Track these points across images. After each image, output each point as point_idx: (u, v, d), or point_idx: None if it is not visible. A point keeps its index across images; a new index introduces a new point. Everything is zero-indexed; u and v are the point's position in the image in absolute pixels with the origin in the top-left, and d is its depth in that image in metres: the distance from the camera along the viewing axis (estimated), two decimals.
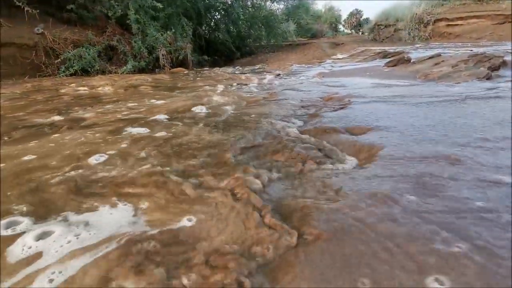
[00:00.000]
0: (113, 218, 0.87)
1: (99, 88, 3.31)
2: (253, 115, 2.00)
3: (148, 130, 1.69)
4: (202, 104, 2.40)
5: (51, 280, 0.64)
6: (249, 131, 1.61)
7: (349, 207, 0.89)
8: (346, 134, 1.65)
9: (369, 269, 0.64)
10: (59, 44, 5.85)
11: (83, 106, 2.37)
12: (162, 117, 1.99)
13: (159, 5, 6.40)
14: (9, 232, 0.80)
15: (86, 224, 0.85)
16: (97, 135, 1.59)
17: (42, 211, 0.89)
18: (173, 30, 6.83)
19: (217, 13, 10.02)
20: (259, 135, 1.55)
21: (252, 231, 0.79)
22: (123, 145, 1.43)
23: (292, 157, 1.30)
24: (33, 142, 1.50)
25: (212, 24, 10.37)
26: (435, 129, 1.55)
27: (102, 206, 0.93)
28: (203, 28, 9.67)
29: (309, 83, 3.50)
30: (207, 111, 2.19)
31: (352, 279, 0.62)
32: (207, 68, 7.85)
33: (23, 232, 0.80)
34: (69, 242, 0.77)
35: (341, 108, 2.21)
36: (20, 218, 0.86)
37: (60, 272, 0.66)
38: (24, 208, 0.90)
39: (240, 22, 10.31)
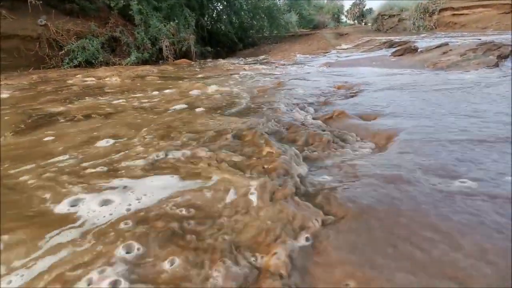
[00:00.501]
0: None
1: (106, 79, 3.30)
2: (267, 104, 1.99)
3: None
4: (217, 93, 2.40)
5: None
6: (268, 118, 1.61)
7: (369, 187, 0.90)
8: (359, 120, 1.65)
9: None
10: (62, 35, 5.81)
11: (94, 95, 2.37)
12: (181, 106, 1.98)
13: None
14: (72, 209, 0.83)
15: None
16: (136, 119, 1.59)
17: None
18: (176, 21, 6.77)
19: (219, 4, 9.91)
20: (278, 122, 1.55)
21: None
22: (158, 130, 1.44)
23: (310, 143, 1.31)
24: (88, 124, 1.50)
25: (214, 15, 10.27)
26: (452, 117, 1.54)
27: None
28: (205, 19, 9.59)
29: (316, 73, 3.48)
30: (222, 100, 2.18)
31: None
32: (210, 60, 7.81)
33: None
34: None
35: (352, 96, 2.21)
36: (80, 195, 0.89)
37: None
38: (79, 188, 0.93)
39: (243, 13, 10.20)
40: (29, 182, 0.97)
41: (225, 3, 10.03)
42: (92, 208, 0.83)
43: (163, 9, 6.89)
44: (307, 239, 0.71)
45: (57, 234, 0.72)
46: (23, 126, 1.57)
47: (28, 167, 1.08)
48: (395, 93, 2.12)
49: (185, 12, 7.35)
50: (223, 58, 8.67)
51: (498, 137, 1.21)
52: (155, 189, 0.92)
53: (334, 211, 0.81)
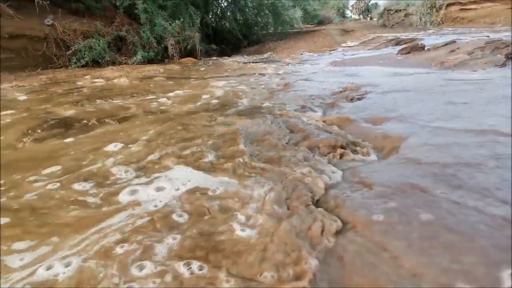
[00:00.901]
0: None
1: (114, 80, 3.35)
2: (275, 106, 2.02)
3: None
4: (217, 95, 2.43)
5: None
6: (278, 120, 1.64)
7: (379, 195, 0.93)
8: (367, 124, 1.67)
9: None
10: (69, 35, 5.86)
11: (104, 98, 2.41)
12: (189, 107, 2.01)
13: None
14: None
15: None
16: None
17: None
18: (181, 20, 6.77)
19: (223, 1, 9.88)
20: (285, 123, 1.58)
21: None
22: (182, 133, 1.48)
23: (317, 145, 1.33)
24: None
25: (218, 12, 10.25)
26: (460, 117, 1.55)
27: None
28: (210, 16, 9.57)
29: (323, 72, 3.49)
30: (221, 101, 2.21)
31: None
32: (215, 58, 7.81)
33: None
34: None
35: (359, 99, 2.22)
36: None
37: None
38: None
39: (247, 10, 10.16)
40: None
41: (229, 0, 10.00)
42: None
43: (168, 8, 6.90)
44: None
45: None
46: (39, 131, 1.61)
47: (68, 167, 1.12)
48: (403, 95, 2.13)
49: (190, 10, 7.35)
50: (228, 55, 8.67)
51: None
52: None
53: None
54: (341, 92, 2.42)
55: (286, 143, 1.39)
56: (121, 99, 2.33)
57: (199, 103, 2.19)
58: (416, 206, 0.87)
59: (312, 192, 1.00)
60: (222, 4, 10.04)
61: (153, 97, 2.45)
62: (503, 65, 3.14)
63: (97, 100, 2.31)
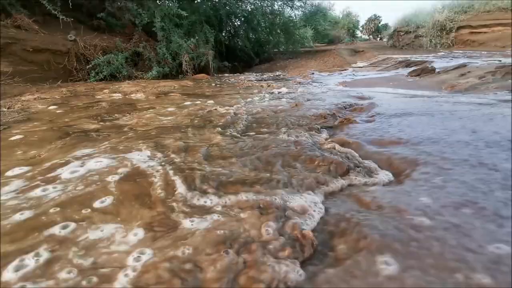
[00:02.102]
0: None
1: (131, 95, 3.48)
2: (283, 123, 2.08)
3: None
4: (233, 112, 2.51)
5: None
6: (283, 141, 1.69)
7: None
8: (374, 146, 1.70)
9: None
10: (89, 50, 6.14)
11: (123, 112, 2.52)
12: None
13: (184, 13, 6.63)
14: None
15: None
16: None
17: None
18: (196, 38, 7.03)
19: (237, 20, 10.23)
20: (291, 144, 1.63)
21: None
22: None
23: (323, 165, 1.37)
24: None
25: (232, 30, 10.59)
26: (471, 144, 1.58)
27: None
28: (223, 34, 9.89)
29: (333, 92, 3.56)
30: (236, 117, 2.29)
31: None
32: (227, 74, 8.02)
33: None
34: None
35: (368, 121, 2.26)
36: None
37: None
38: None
39: (260, 29, 10.48)
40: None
41: (242, 19, 10.34)
42: None
43: (184, 26, 7.19)
44: None
45: None
46: (62, 142, 1.70)
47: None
48: (413, 118, 2.17)
49: (204, 29, 7.63)
50: (240, 72, 8.89)
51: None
52: None
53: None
54: (350, 113, 2.47)
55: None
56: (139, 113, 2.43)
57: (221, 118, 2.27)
58: None
59: None
60: (235, 23, 10.38)
61: (173, 109, 2.54)
62: None
63: (115, 114, 2.41)
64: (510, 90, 3.13)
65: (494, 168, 1.27)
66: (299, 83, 4.70)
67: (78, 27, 6.50)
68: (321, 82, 4.77)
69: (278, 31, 10.78)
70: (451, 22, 11.16)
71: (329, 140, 1.86)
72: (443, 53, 8.69)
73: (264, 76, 6.88)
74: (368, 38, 26.31)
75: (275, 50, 11.83)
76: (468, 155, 1.42)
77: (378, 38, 24.28)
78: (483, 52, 8.19)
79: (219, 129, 2.01)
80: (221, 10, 8.54)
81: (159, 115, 2.44)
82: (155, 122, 2.21)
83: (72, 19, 6.04)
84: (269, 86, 4.42)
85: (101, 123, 2.19)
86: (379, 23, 25.53)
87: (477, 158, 1.37)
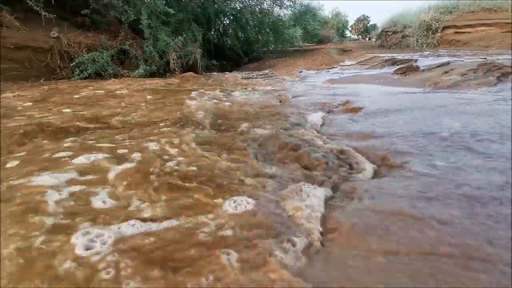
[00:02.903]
0: None
1: (116, 92, 3.41)
2: (271, 121, 2.06)
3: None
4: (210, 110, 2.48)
5: None
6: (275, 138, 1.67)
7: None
8: (361, 141, 1.70)
9: None
10: (73, 48, 5.99)
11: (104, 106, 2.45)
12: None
13: (171, 10, 6.53)
14: None
15: None
16: None
17: None
18: (184, 36, 6.95)
19: (226, 19, 10.16)
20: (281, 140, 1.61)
21: None
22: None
23: (315, 163, 1.36)
24: None
25: (220, 29, 10.52)
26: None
27: None
28: (212, 32, 9.82)
29: (320, 89, 3.56)
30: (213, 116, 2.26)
31: None
32: (216, 73, 7.97)
33: None
34: None
35: (353, 119, 2.27)
36: None
37: None
38: None
39: (249, 28, 10.43)
40: None
41: (232, 17, 10.28)
42: None
43: (172, 24, 7.09)
44: None
45: None
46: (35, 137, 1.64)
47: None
48: (396, 113, 2.18)
49: (192, 27, 7.55)
50: (229, 71, 8.84)
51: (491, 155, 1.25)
52: None
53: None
54: (335, 108, 2.47)
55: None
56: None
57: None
58: None
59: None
60: (224, 22, 10.32)
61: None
62: (495, 86, 3.22)
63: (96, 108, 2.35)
64: (489, 86, 3.20)
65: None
66: (286, 80, 4.70)
67: (62, 24, 6.34)
68: (308, 80, 4.78)
69: (267, 30, 10.74)
70: (436, 22, 11.38)
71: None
72: (428, 52, 8.84)
73: (252, 74, 6.86)
74: (357, 38, 26.61)
75: (264, 49, 11.81)
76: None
77: (367, 38, 24.58)
78: (467, 51, 8.36)
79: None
80: (209, 9, 8.46)
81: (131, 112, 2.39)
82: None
83: (55, 15, 5.88)
84: (255, 83, 4.40)
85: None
86: (368, 23, 25.84)
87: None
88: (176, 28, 7.23)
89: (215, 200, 1.01)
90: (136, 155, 1.38)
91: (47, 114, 2.24)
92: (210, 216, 0.91)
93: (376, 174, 1.31)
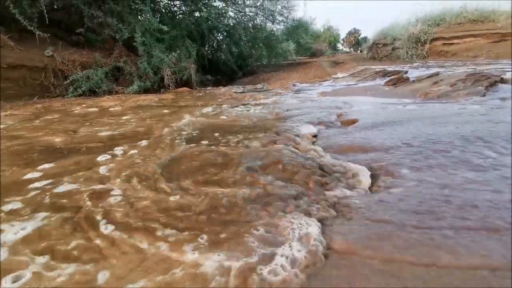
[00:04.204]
0: None
1: (110, 109, 3.42)
2: (263, 134, 2.07)
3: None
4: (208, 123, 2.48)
5: None
6: (268, 152, 1.68)
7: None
8: (356, 153, 1.71)
9: None
10: (67, 66, 6.03)
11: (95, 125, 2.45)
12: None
13: (165, 27, 6.64)
14: None
15: None
16: None
17: None
18: (178, 52, 7.04)
19: (219, 34, 10.35)
20: (272, 154, 1.61)
21: None
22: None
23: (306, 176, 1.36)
24: None
25: (214, 44, 10.69)
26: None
27: None
28: (206, 48, 9.96)
29: (312, 102, 3.60)
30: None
31: None
32: (210, 88, 8.04)
33: None
34: None
35: (346, 129, 2.28)
36: None
37: None
38: None
39: (242, 43, 10.63)
40: None
41: (225, 33, 10.47)
42: None
43: (166, 41, 7.19)
44: None
45: None
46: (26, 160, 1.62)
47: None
48: (388, 126, 2.20)
49: (186, 43, 7.67)
50: (224, 85, 8.92)
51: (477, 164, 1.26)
52: None
53: None
54: (328, 121, 2.49)
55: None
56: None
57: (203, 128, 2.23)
58: None
59: None
60: (218, 37, 10.50)
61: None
62: (483, 95, 3.29)
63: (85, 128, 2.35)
64: (477, 96, 3.26)
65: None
66: (280, 94, 4.75)
67: (56, 43, 6.40)
68: (301, 93, 4.84)
69: (261, 44, 10.94)
70: (425, 34, 11.68)
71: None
72: (418, 63, 9.02)
73: (247, 88, 6.93)
74: (349, 50, 27.16)
75: (258, 63, 11.99)
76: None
77: (359, 51, 25.10)
78: (455, 61, 8.56)
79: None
80: (203, 25, 8.62)
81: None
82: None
83: (49, 34, 5.94)
84: (249, 98, 4.44)
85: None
86: (359, 36, 26.46)
87: None
88: (170, 44, 7.34)
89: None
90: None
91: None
92: None
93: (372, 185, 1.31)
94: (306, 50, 24.18)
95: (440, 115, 2.33)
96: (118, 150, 1.76)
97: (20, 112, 3.52)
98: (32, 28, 5.58)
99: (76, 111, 3.34)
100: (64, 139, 2.05)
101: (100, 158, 1.62)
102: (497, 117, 2.15)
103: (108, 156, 1.66)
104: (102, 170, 1.45)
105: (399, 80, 4.71)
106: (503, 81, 3.83)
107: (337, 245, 0.87)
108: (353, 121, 2.38)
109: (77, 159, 1.62)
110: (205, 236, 0.90)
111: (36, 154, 1.72)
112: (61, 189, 1.25)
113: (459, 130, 1.89)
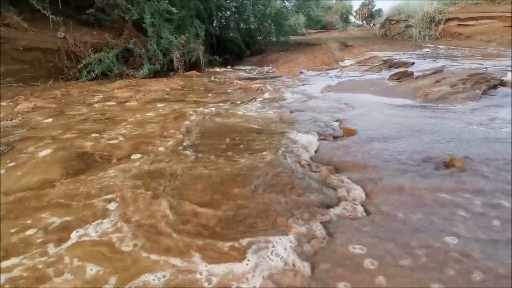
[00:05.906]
0: None
1: (126, 104, 3.68)
2: (266, 142, 2.33)
3: None
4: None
5: None
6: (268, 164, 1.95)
7: None
8: (356, 172, 1.96)
9: None
10: (79, 48, 6.18)
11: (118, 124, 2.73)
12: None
13: (174, 9, 6.64)
14: None
15: None
16: None
17: None
18: (187, 34, 7.07)
19: (227, 11, 10.19)
20: (271, 166, 1.89)
21: None
22: None
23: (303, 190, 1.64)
24: None
25: (223, 21, 10.56)
26: None
27: None
28: (214, 25, 9.88)
29: (316, 101, 3.80)
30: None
31: None
32: (218, 69, 8.14)
33: None
34: None
35: (345, 140, 2.52)
36: None
37: None
38: None
39: (251, 19, 10.49)
40: None
41: (234, 9, 10.30)
42: None
43: (174, 21, 7.20)
44: None
45: None
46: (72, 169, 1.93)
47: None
48: (383, 141, 2.42)
49: (195, 23, 7.66)
50: (231, 65, 9.00)
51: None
52: None
53: None
54: (330, 130, 2.72)
55: None
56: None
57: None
58: None
59: None
60: (226, 14, 10.35)
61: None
62: (478, 100, 3.45)
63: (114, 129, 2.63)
64: (473, 100, 3.42)
65: None
66: (286, 85, 4.92)
67: (67, 22, 6.48)
68: (307, 84, 5.00)
69: (269, 21, 10.77)
70: (440, 14, 11.32)
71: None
72: (428, 49, 8.90)
73: (254, 72, 7.05)
74: (361, 23, 26.15)
75: (266, 40, 11.86)
76: None
77: (371, 24, 24.16)
78: (466, 48, 8.43)
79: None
80: (211, 3, 8.52)
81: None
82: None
83: (61, 18, 6.04)
84: (256, 88, 4.63)
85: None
86: (373, 8, 25.32)
87: None
88: (179, 25, 7.35)
89: None
90: None
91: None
92: None
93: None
94: (316, 23, 23.41)
95: (429, 131, 2.54)
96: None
97: (42, 103, 3.78)
98: (45, 12, 5.67)
99: (96, 106, 3.60)
100: (92, 143, 2.34)
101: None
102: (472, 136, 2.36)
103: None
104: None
105: (403, 74, 4.81)
106: (502, 83, 3.95)
107: None
108: (352, 132, 2.61)
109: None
110: None
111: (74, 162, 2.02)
112: None
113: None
